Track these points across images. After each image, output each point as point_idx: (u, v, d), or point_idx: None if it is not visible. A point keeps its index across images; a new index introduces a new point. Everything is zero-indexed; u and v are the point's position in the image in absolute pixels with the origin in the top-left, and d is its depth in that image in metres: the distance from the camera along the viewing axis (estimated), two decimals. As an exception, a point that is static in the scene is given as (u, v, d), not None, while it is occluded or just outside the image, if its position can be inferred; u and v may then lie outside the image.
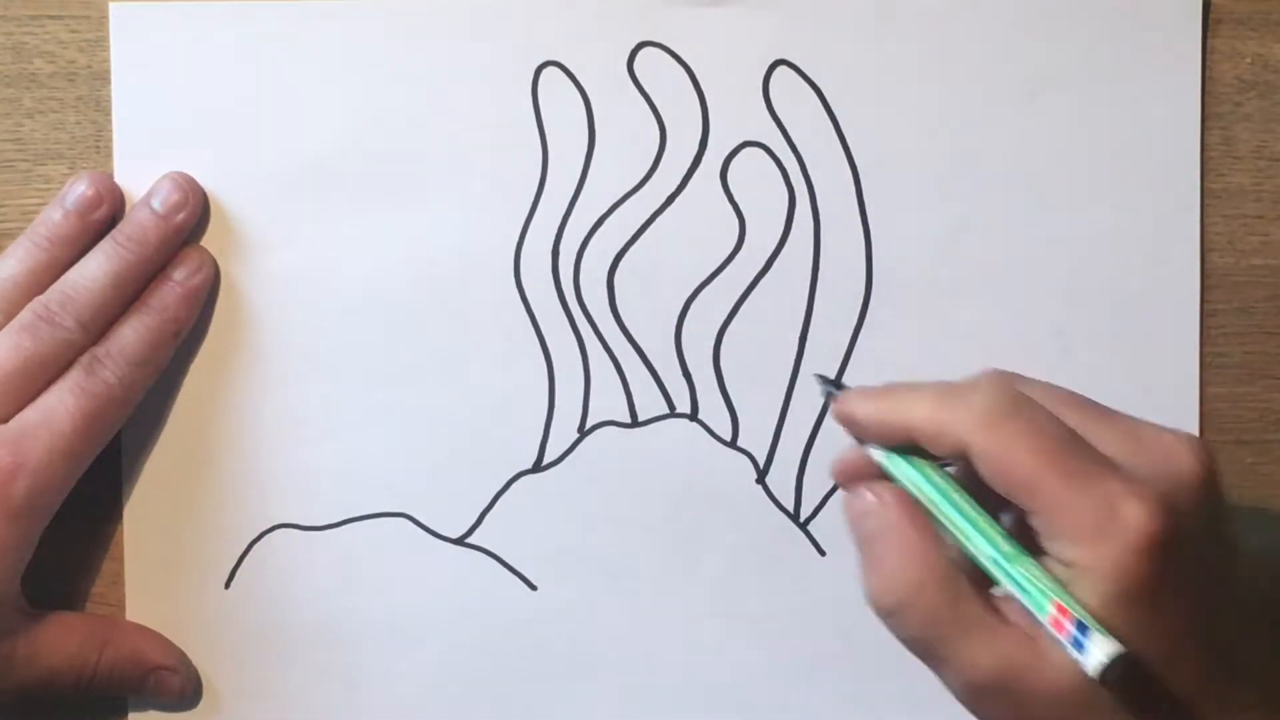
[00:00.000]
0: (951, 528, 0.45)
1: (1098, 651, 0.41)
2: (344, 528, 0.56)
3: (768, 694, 0.56)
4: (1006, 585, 0.43)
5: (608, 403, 0.56)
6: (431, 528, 0.56)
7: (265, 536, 0.56)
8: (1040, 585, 0.42)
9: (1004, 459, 0.44)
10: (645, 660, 0.56)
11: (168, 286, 0.54)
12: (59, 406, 0.51)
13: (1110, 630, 0.41)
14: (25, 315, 0.52)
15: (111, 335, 0.53)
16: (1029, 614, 0.43)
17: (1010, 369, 0.55)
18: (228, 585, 0.56)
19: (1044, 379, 0.55)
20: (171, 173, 0.55)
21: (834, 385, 0.49)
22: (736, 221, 0.56)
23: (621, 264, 0.56)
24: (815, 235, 0.55)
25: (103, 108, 0.55)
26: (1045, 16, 0.55)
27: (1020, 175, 0.55)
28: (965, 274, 0.55)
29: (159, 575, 0.56)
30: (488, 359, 0.56)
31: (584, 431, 0.56)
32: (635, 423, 0.56)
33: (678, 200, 0.56)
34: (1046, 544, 0.44)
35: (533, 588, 0.56)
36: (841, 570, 0.56)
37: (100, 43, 0.55)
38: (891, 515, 0.46)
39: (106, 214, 0.54)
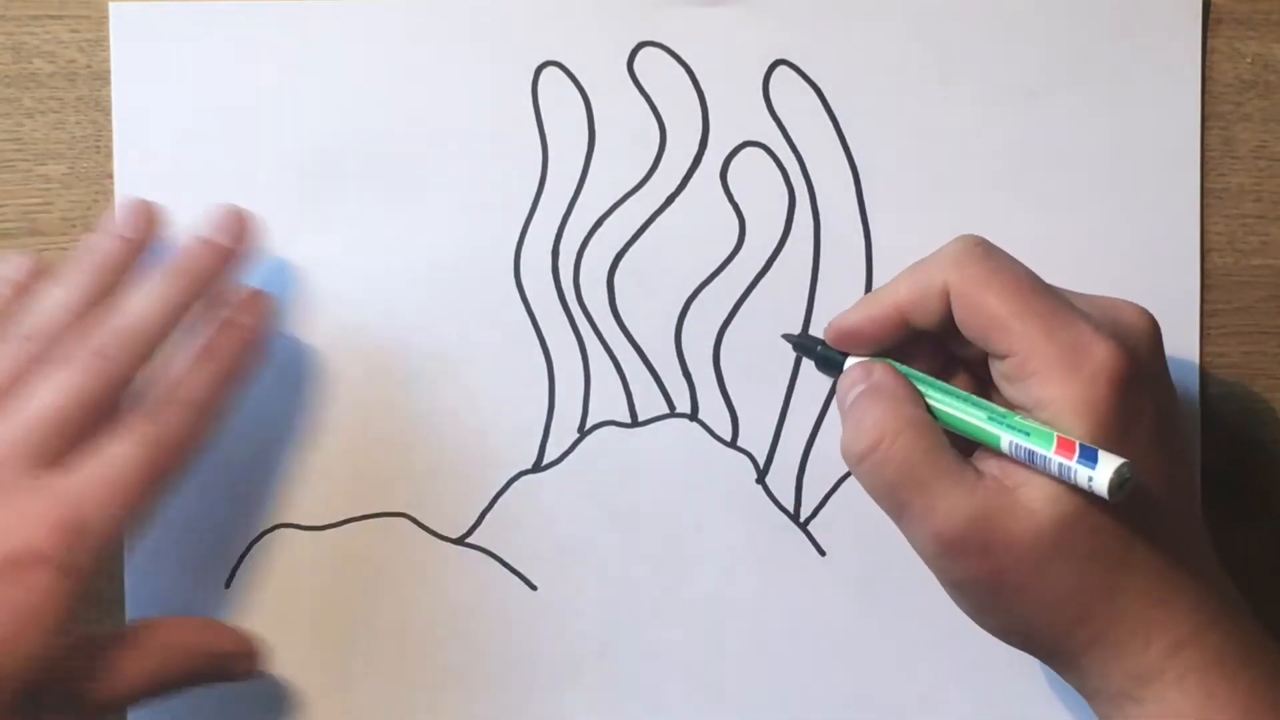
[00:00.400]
0: (942, 406, 0.48)
1: (1106, 468, 0.44)
2: (344, 528, 0.56)
3: (767, 694, 0.56)
4: (1007, 435, 0.46)
5: (608, 403, 0.56)
6: (431, 528, 0.56)
7: (265, 536, 0.56)
8: (1035, 430, 0.45)
9: (977, 298, 0.47)
10: (645, 660, 0.56)
11: (234, 331, 0.52)
12: (120, 456, 0.48)
13: None
14: (74, 350, 0.49)
15: (177, 383, 0.50)
16: (1006, 464, 0.46)
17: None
18: (228, 585, 0.56)
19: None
20: (226, 204, 0.53)
21: (804, 338, 0.52)
22: (736, 221, 0.56)
23: (621, 264, 0.56)
24: (815, 235, 0.55)
25: (103, 108, 0.56)
26: (1045, 16, 0.55)
27: (1020, 175, 0.55)
28: (965, 274, 0.55)
29: (159, 575, 0.56)
30: (488, 359, 0.56)
31: (584, 431, 0.56)
32: (635, 423, 0.56)
33: (678, 200, 0.56)
34: (1017, 387, 0.47)
35: (533, 588, 0.56)
36: (841, 570, 0.56)
37: (100, 43, 0.55)
38: (876, 376, 0.48)
39: (152, 239, 0.52)
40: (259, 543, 0.56)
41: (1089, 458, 0.44)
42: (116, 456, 0.48)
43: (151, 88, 0.55)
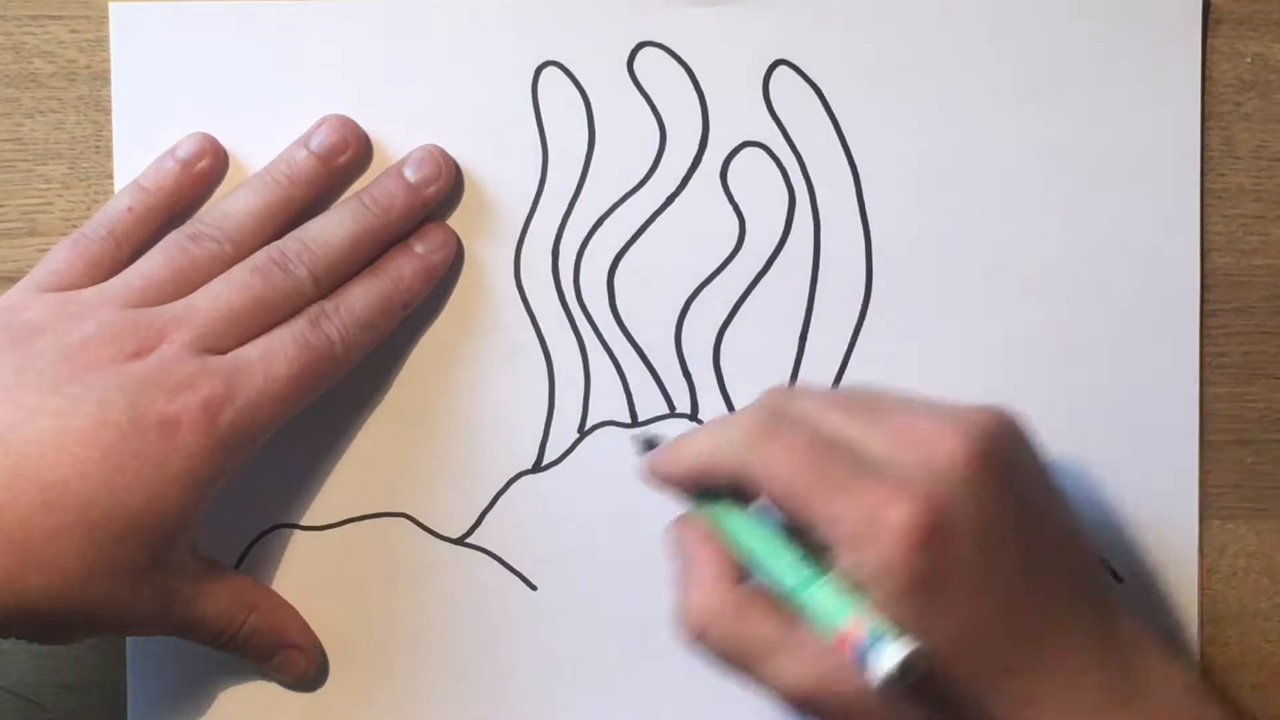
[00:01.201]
0: (764, 562, 0.47)
1: (883, 661, 0.42)
2: (344, 528, 0.56)
3: (768, 694, 0.56)
4: (812, 603, 0.45)
5: (608, 403, 0.56)
6: (431, 528, 0.56)
7: (265, 536, 0.56)
8: (834, 604, 0.44)
9: (771, 477, 0.46)
10: (645, 660, 0.56)
11: (406, 257, 0.53)
12: (279, 350, 0.50)
13: (900, 631, 0.43)
14: (260, 257, 0.51)
15: (341, 293, 0.52)
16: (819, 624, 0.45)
17: (1009, 369, 0.55)
18: (228, 585, 0.56)
19: (1044, 379, 0.55)
20: (427, 144, 0.54)
21: (649, 438, 0.52)
22: (736, 221, 0.56)
23: (621, 264, 0.56)
24: (815, 235, 0.55)
25: (103, 108, 0.56)
26: (1044, 16, 0.55)
27: (1020, 175, 0.55)
28: (965, 274, 0.55)
29: (159, 575, 0.56)
30: (488, 359, 0.56)
31: (584, 431, 0.56)
32: (635, 423, 0.56)
33: (678, 200, 0.55)
34: (831, 554, 0.45)
35: (533, 588, 0.56)
36: (841, 570, 0.56)
37: (100, 43, 0.55)
38: (690, 549, 0.49)
39: (350, 160, 0.54)
40: (259, 543, 0.56)
41: (878, 642, 0.43)
42: (274, 349, 0.50)
43: (151, 88, 0.55)
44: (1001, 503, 0.46)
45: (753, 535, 0.47)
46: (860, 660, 0.43)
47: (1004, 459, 0.46)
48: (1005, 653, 0.45)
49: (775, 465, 0.46)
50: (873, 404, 0.48)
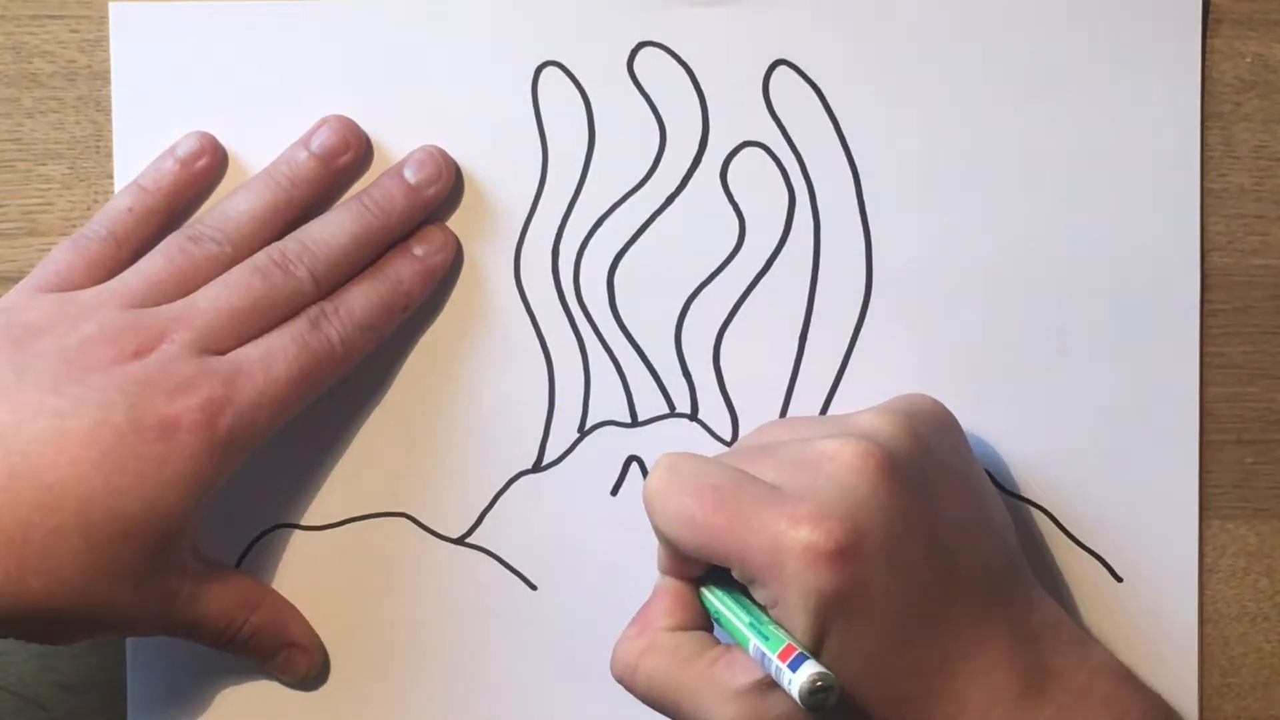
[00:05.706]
0: (720, 609, 0.48)
1: (796, 682, 0.43)
2: (344, 528, 0.56)
3: (768, 694, 0.56)
4: (755, 640, 0.46)
5: (608, 403, 0.56)
6: (431, 528, 0.56)
7: (265, 536, 0.56)
8: (779, 635, 0.45)
9: (674, 535, 0.47)
10: (645, 660, 0.56)
11: (406, 259, 0.53)
12: (279, 352, 0.50)
13: (826, 652, 0.44)
14: (260, 258, 0.52)
15: (341, 294, 0.52)
16: (761, 666, 0.45)
17: (1009, 369, 0.55)
18: (228, 585, 0.56)
19: (1044, 379, 0.55)
20: (428, 145, 0.54)
21: None
22: (736, 221, 0.56)
23: (621, 264, 0.56)
24: (815, 235, 0.55)
25: (103, 108, 0.56)
26: (1044, 16, 0.55)
27: (1020, 175, 0.55)
28: (965, 274, 0.55)
29: (159, 575, 0.56)
30: (488, 359, 0.56)
31: (584, 431, 0.56)
32: (635, 423, 0.56)
33: (678, 200, 0.56)
34: (753, 590, 0.47)
35: (533, 588, 0.56)
36: (841, 570, 0.56)
37: (100, 43, 0.55)
38: (653, 594, 0.50)
39: (350, 161, 0.54)
40: (259, 543, 0.56)
41: (796, 664, 0.44)
42: (274, 350, 0.50)
43: (151, 88, 0.55)
44: (909, 511, 0.46)
45: (716, 594, 0.49)
46: (782, 678, 0.44)
47: (907, 466, 0.47)
48: (922, 656, 0.46)
49: (676, 522, 0.47)
50: (767, 444, 0.49)
